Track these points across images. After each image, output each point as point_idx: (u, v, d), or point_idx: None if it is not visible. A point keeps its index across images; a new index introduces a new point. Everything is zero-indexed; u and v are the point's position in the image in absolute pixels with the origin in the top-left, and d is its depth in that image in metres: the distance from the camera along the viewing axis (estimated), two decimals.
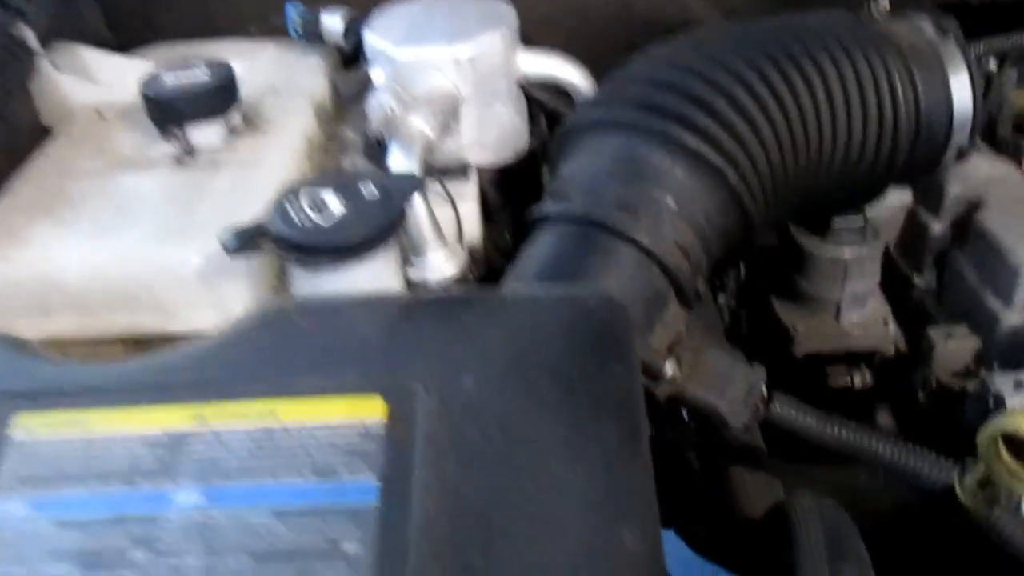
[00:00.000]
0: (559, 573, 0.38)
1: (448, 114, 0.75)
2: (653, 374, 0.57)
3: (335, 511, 0.40)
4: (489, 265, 0.79)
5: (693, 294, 0.62)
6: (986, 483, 0.47)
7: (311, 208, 0.59)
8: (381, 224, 0.58)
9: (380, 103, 0.70)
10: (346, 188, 0.60)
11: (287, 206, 0.59)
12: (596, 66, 0.82)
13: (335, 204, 0.59)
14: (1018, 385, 0.68)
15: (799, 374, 0.88)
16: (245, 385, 0.45)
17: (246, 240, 0.56)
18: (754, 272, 0.95)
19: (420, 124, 0.71)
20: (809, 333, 0.84)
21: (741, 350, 0.92)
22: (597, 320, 0.49)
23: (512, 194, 0.84)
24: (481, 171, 0.81)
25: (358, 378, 0.45)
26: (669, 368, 0.56)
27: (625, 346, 0.48)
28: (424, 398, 0.44)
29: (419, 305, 0.50)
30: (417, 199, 0.68)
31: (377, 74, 0.75)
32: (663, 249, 0.59)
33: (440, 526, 0.39)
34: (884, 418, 0.89)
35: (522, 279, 0.59)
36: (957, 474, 0.49)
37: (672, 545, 0.73)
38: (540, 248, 0.60)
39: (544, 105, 0.87)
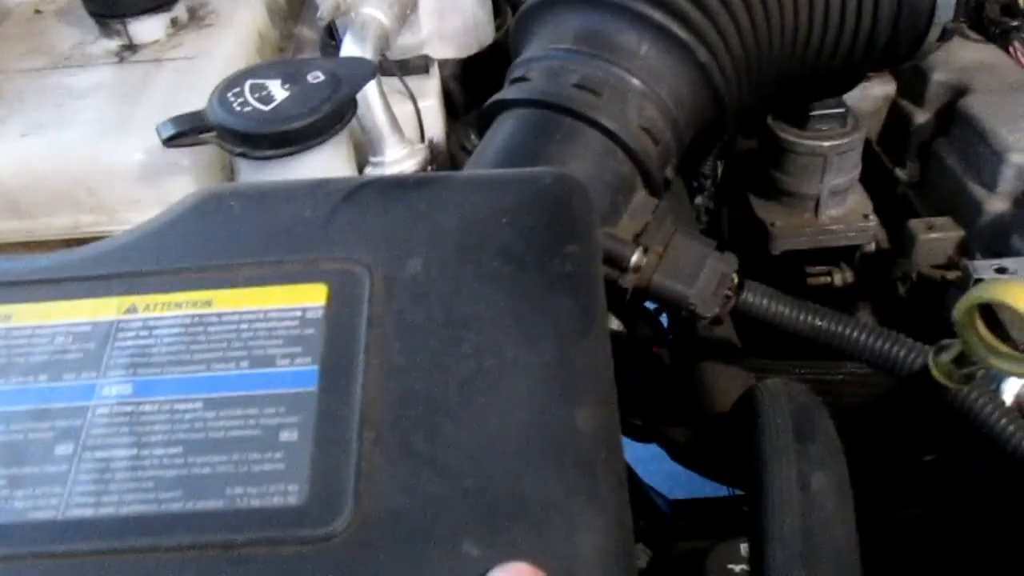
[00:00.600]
0: (506, 455, 0.36)
1: (405, 2, 0.71)
2: (618, 264, 0.54)
3: (271, 398, 0.38)
4: (454, 164, 0.76)
5: (661, 180, 0.59)
6: (962, 360, 0.45)
7: (253, 96, 0.55)
8: (328, 110, 0.55)
9: None
10: (292, 75, 0.57)
11: (227, 94, 0.55)
12: None
13: (279, 91, 0.56)
14: (1000, 271, 0.66)
15: (778, 272, 0.86)
16: (178, 274, 0.43)
17: (182, 128, 0.52)
18: (732, 170, 0.93)
19: (374, 12, 0.67)
20: (787, 229, 0.81)
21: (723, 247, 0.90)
22: (552, 198, 0.46)
23: (478, 89, 0.80)
24: (443, 65, 0.77)
25: (298, 264, 0.43)
26: (635, 257, 0.54)
27: (582, 224, 0.46)
28: (368, 282, 0.42)
29: (364, 188, 0.46)
30: (372, 91, 0.65)
31: None
32: (628, 132, 0.55)
33: (382, 411, 0.37)
34: (864, 316, 0.88)
35: (479, 167, 0.55)
36: (932, 354, 0.47)
37: (656, 459, 0.72)
38: (498, 136, 0.57)
39: None
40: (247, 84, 0.56)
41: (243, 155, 0.55)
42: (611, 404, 0.39)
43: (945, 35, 0.70)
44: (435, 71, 0.76)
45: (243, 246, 0.44)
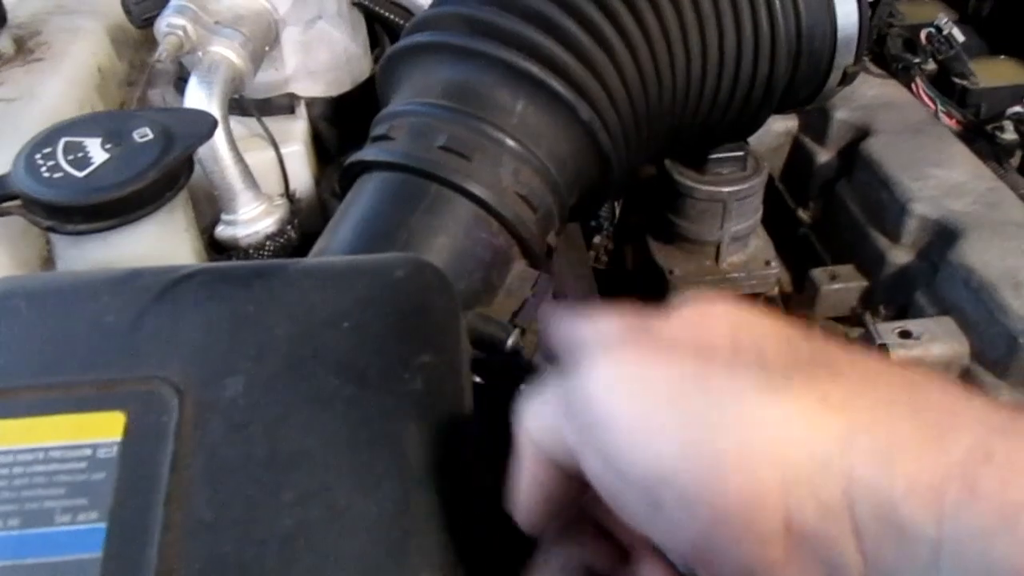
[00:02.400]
0: None
1: (263, 37, 0.63)
2: (493, 348, 0.48)
3: (44, 569, 0.31)
4: (324, 213, 0.69)
5: (542, 250, 0.53)
6: None
7: (67, 158, 0.47)
8: (155, 176, 0.47)
9: (169, 26, 0.58)
10: (115, 133, 0.49)
11: (35, 155, 0.47)
12: None
13: (98, 152, 0.48)
14: (904, 335, 0.62)
15: None
16: None
17: None
18: (632, 207, 0.88)
19: (224, 51, 0.59)
20: (687, 277, 0.77)
21: (626, 290, 0.85)
22: (406, 295, 0.40)
23: (353, 129, 0.73)
24: (312, 104, 0.70)
25: (91, 386, 0.36)
26: (511, 340, 0.48)
27: (441, 326, 0.40)
28: (176, 409, 0.35)
29: (181, 283, 0.39)
30: (220, 141, 0.57)
31: None
32: (502, 200, 0.49)
33: None
34: None
35: (332, 243, 0.49)
36: None
37: None
38: (356, 204, 0.50)
39: (391, 24, 0.76)
40: (60, 143, 0.48)
41: (52, 229, 0.47)
42: (462, 565, 0.33)
43: (846, 79, 0.67)
44: (302, 111, 0.69)
45: (24, 362, 0.37)
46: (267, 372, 0.36)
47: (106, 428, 0.35)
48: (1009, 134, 0.77)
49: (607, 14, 0.53)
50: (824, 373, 0.24)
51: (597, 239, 0.88)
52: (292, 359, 0.37)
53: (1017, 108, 0.78)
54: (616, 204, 0.86)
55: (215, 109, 0.57)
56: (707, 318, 0.27)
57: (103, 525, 0.32)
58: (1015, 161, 0.79)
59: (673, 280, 0.77)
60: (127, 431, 0.34)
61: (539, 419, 0.29)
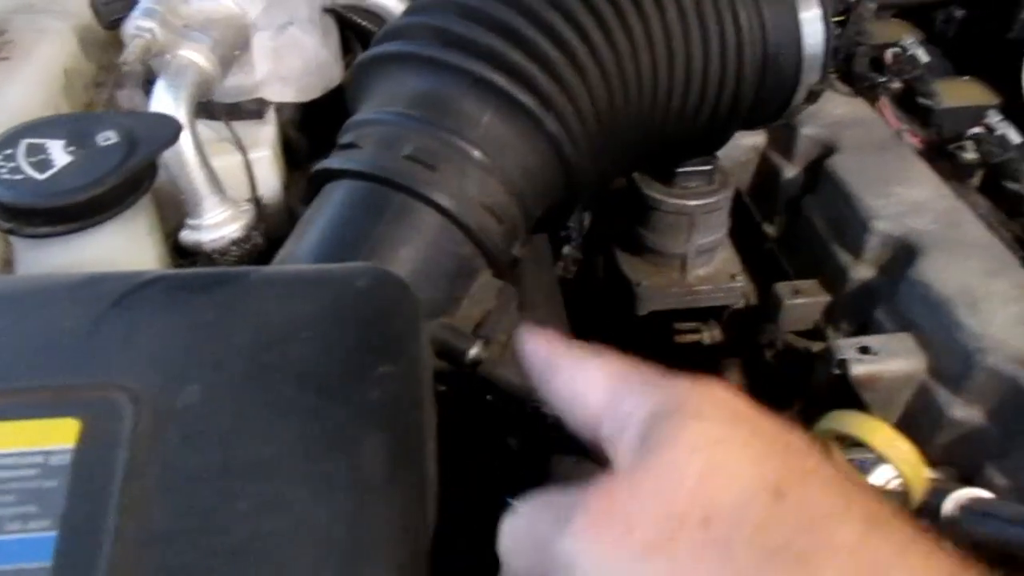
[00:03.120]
0: None
1: (233, 42, 0.63)
2: (456, 359, 0.48)
3: None
4: (293, 221, 0.69)
5: (508, 261, 0.53)
6: None
7: (28, 160, 0.47)
8: (117, 180, 0.47)
9: (137, 28, 0.57)
10: (79, 135, 0.49)
11: None
12: None
13: (61, 155, 0.47)
14: (863, 351, 0.63)
15: (645, 329, 0.82)
16: None
17: None
18: (601, 218, 0.88)
19: (192, 55, 0.59)
20: (653, 290, 0.77)
21: (594, 300, 0.86)
22: (368, 305, 0.40)
23: (324, 136, 0.73)
24: (282, 109, 0.70)
25: (45, 392, 0.35)
26: (474, 351, 0.48)
27: (402, 336, 0.40)
28: (131, 416, 0.35)
29: (141, 289, 0.39)
30: (187, 145, 0.57)
31: None
32: (468, 211, 0.50)
33: None
34: (734, 376, 0.85)
35: (296, 251, 0.49)
36: None
37: None
38: (321, 212, 0.50)
39: (363, 30, 0.76)
40: (22, 144, 0.48)
41: (12, 232, 0.46)
42: (421, 567, 0.33)
43: (812, 97, 0.68)
44: (271, 116, 0.69)
45: None
46: (225, 380, 0.36)
47: (59, 435, 0.34)
48: (970, 154, 0.79)
49: (576, 28, 0.54)
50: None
51: (566, 249, 0.88)
52: (251, 368, 0.37)
53: (978, 129, 0.79)
54: (585, 215, 0.87)
55: (182, 113, 0.57)
56: (678, 469, 0.26)
57: (54, 533, 0.32)
58: (975, 181, 0.81)
59: (640, 292, 0.78)
60: (81, 438, 0.34)
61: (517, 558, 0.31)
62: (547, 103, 0.52)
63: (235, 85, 0.67)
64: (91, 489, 0.33)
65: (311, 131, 0.72)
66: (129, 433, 0.34)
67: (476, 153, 0.51)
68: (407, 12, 0.58)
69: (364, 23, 0.75)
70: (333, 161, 0.51)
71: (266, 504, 0.33)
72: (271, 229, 0.64)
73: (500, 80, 0.51)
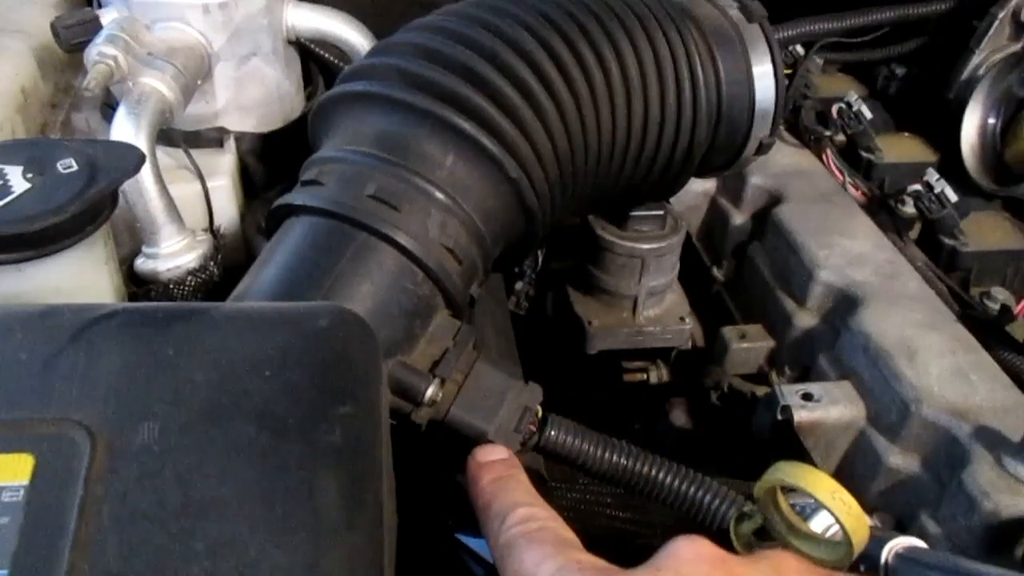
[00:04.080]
0: None
1: (195, 71, 0.63)
2: (412, 397, 0.49)
3: None
4: (249, 250, 0.69)
5: (465, 301, 0.54)
6: (763, 534, 0.42)
7: None
8: (77, 209, 0.46)
9: (99, 54, 0.57)
10: (38, 161, 0.48)
11: None
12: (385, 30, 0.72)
13: (19, 181, 0.47)
14: (806, 397, 0.65)
15: (595, 366, 0.83)
16: None
17: None
18: (554, 255, 0.90)
19: (154, 82, 0.59)
20: (603, 329, 0.79)
21: (544, 336, 0.87)
22: (328, 344, 0.40)
23: (283, 167, 0.73)
24: (241, 139, 0.70)
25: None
26: (431, 390, 0.48)
27: (362, 377, 0.40)
28: (87, 453, 0.35)
29: (100, 323, 0.39)
30: (146, 175, 0.57)
31: (106, 15, 0.62)
32: (429, 251, 0.50)
33: None
34: (679, 416, 0.86)
35: (255, 286, 0.49)
36: (734, 521, 0.44)
37: None
38: (281, 248, 0.50)
39: (326, 63, 0.77)
40: None
41: None
42: None
43: (762, 149, 0.70)
44: (231, 145, 0.69)
45: None
46: (183, 418, 0.36)
47: (12, 471, 0.34)
48: (909, 208, 0.82)
49: (539, 76, 0.55)
50: None
51: (519, 285, 0.89)
52: (210, 406, 0.37)
53: (917, 185, 0.82)
54: (539, 252, 0.88)
55: (142, 142, 0.57)
56: None
57: (5, 572, 0.31)
58: (913, 234, 0.84)
59: (590, 331, 0.79)
60: (35, 474, 0.34)
61: None
62: (509, 147, 0.53)
63: (196, 113, 0.67)
64: (44, 527, 0.33)
65: (270, 162, 0.72)
66: (84, 470, 0.34)
67: (439, 194, 0.51)
68: (372, 52, 0.59)
69: (327, 56, 0.75)
70: (295, 197, 0.52)
71: (221, 545, 0.33)
72: (227, 260, 0.64)
73: (464, 124, 0.52)
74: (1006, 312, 0.72)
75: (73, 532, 0.33)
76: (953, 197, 0.80)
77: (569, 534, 0.41)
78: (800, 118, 0.91)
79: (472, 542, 0.60)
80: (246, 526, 0.34)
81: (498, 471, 0.46)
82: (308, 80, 0.78)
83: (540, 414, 0.51)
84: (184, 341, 0.39)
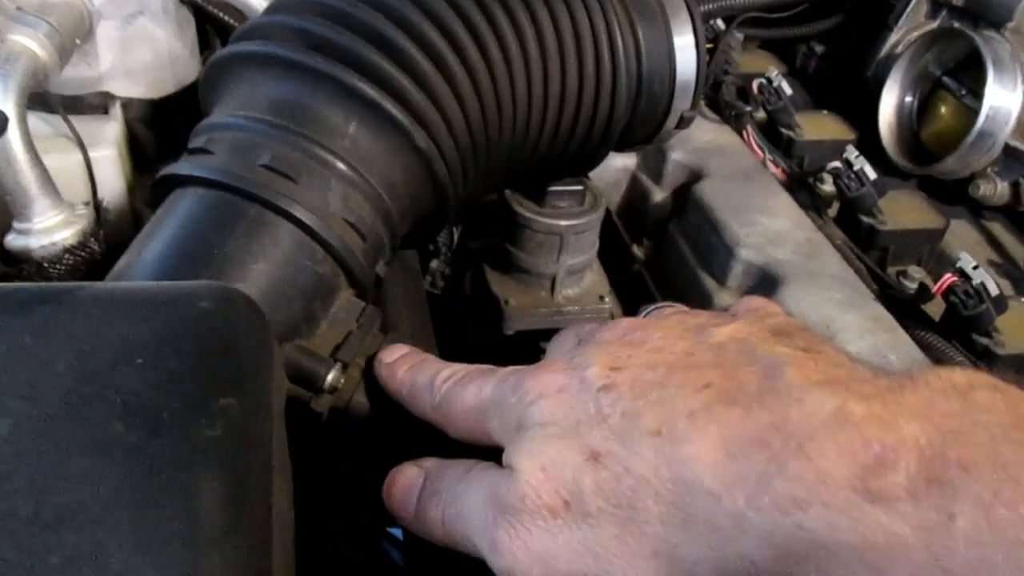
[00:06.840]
0: None
1: (73, 30, 0.58)
2: (311, 384, 0.45)
3: None
4: (138, 226, 0.63)
5: (370, 280, 0.50)
6: None
7: None
8: None
9: None
10: None
11: None
12: None
13: None
14: None
15: (512, 347, 0.81)
16: None
17: None
18: (471, 232, 0.86)
19: (25, 40, 0.54)
20: (521, 309, 0.76)
21: (461, 316, 0.84)
22: (210, 328, 0.36)
23: (178, 136, 0.68)
24: (129, 106, 0.64)
25: None
26: (331, 376, 0.45)
27: (248, 363, 0.37)
28: None
29: None
30: (16, 140, 0.51)
31: None
32: (329, 226, 0.46)
33: None
34: None
35: (135, 265, 0.44)
36: None
37: None
38: (166, 222, 0.46)
39: (223, 25, 0.71)
40: None
41: None
42: None
43: (683, 123, 0.68)
44: (117, 112, 0.63)
45: None
46: (40, 414, 0.32)
47: None
48: (828, 186, 0.82)
49: (450, 40, 0.52)
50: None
51: (434, 263, 0.86)
52: (72, 399, 0.33)
53: (837, 163, 0.82)
54: (455, 229, 0.85)
55: (9, 105, 0.51)
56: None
57: None
58: (832, 212, 0.84)
59: (508, 311, 0.76)
60: None
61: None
62: (418, 116, 0.50)
63: (77, 76, 0.61)
64: None
65: (162, 131, 0.67)
66: None
67: (340, 165, 0.48)
68: (269, 10, 0.54)
69: (224, 17, 0.70)
70: (181, 166, 0.47)
71: (81, 556, 0.29)
72: (113, 237, 0.59)
73: (368, 89, 0.48)
74: (924, 291, 0.72)
75: None
76: (872, 175, 0.80)
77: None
78: (721, 93, 0.90)
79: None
80: (110, 535, 0.30)
81: (410, 360, 0.45)
82: (205, 44, 0.73)
83: None
84: (44, 326, 0.35)
